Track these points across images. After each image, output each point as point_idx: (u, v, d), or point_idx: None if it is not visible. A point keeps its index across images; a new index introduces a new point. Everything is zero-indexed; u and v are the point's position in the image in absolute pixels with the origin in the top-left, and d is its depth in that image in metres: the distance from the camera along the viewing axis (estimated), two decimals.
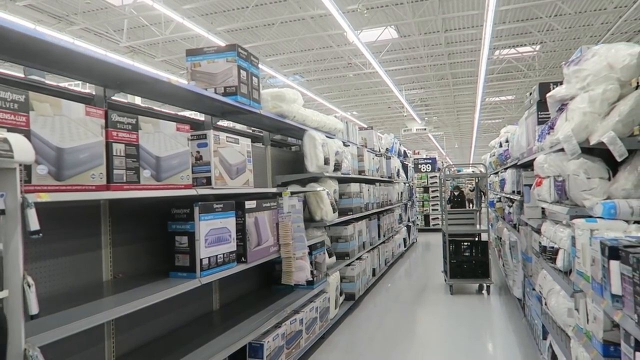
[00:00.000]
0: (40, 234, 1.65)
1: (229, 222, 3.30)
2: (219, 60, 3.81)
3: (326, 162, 5.45)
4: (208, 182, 3.13)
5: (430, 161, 15.96)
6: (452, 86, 20.71)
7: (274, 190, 4.08)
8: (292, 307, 4.28)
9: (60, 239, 2.64)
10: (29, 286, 1.60)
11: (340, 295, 5.95)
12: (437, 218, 15.14)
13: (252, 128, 5.68)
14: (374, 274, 7.77)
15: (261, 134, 5.58)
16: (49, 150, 1.96)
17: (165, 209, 3.09)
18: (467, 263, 7.23)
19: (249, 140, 3.74)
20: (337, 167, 5.90)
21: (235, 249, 3.36)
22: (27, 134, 1.86)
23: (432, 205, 15.25)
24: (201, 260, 2.97)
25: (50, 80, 3.77)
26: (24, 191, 1.66)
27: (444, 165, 11.79)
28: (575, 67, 2.86)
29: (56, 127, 2.00)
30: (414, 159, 15.76)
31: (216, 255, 3.12)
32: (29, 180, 1.87)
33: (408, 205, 11.90)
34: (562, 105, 3.03)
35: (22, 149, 1.57)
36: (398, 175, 10.51)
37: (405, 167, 12.19)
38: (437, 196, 15.54)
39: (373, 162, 8.24)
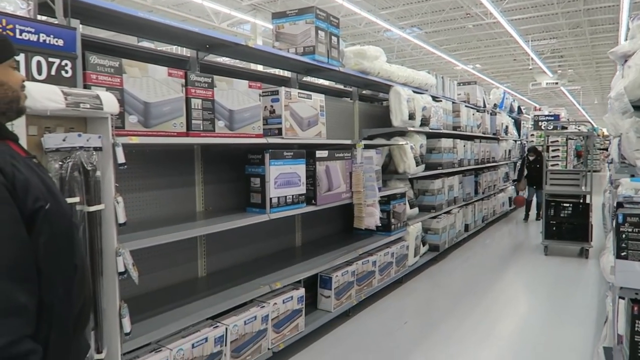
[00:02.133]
0: (125, 166, 2.24)
1: (299, 168, 3.76)
2: (299, 22, 4.18)
3: (411, 117, 5.62)
4: (279, 132, 3.60)
5: (552, 118, 14.80)
6: (588, 35, 18.59)
7: (349, 142, 4.43)
8: (364, 249, 4.69)
9: (165, 175, 3.34)
10: (118, 202, 2.22)
11: (423, 245, 6.21)
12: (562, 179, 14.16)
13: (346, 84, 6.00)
14: (466, 229, 7.82)
15: (350, 90, 5.91)
16: (138, 104, 2.55)
17: (244, 155, 3.64)
18: (566, 225, 6.95)
19: (322, 96, 4.10)
20: (425, 122, 6.03)
21: (304, 192, 3.84)
22: (121, 92, 2.46)
23: (552, 165, 14.25)
24: (270, 199, 3.49)
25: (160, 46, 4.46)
26: (115, 135, 2.25)
27: (542, 118, 11.40)
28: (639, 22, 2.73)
29: (144, 86, 2.58)
30: (534, 116, 14.78)
31: (285, 196, 3.62)
32: (123, 127, 2.49)
33: (518, 164, 11.39)
34: (624, 62, 2.91)
35: (109, 103, 2.14)
36: (506, 132, 10.11)
37: (517, 124, 11.61)
38: (558, 156, 14.47)
39: (473, 117, 8.09)
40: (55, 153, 2.02)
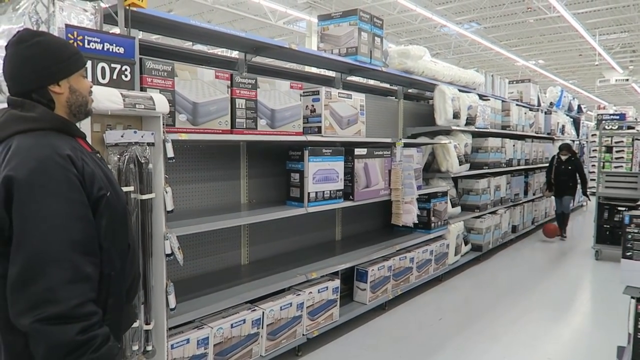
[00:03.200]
0: (174, 160, 2.52)
1: (337, 165, 3.95)
2: (343, 24, 4.36)
3: (456, 115, 5.66)
4: (319, 131, 3.80)
5: (617, 117, 14.08)
6: None
7: (388, 140, 4.56)
8: (401, 246, 4.81)
9: (213, 168, 3.63)
10: (166, 192, 2.50)
11: (465, 244, 6.22)
12: (618, 181, 13.47)
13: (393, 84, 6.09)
14: (514, 231, 7.71)
15: (396, 89, 6.01)
16: (187, 104, 2.83)
17: (286, 152, 3.87)
18: (620, 229, 6.71)
19: (363, 95, 4.26)
20: (470, 121, 6.04)
21: (342, 188, 4.02)
22: (173, 93, 2.75)
23: (615, 167, 13.60)
24: (308, 193, 3.70)
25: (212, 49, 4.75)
26: (165, 132, 2.53)
27: (606, 117, 9.61)
28: None
29: (193, 88, 2.85)
30: (598, 115, 14.13)
31: (323, 191, 3.82)
32: (173, 124, 2.77)
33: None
34: None
35: (161, 104, 2.42)
36: (562, 131, 9.79)
37: (576, 123, 11.20)
38: (622, 157, 13.77)
39: (525, 116, 7.95)
40: (114, 147, 2.31)
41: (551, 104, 9.59)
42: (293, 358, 3.62)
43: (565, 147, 8.24)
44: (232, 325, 3.08)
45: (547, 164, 8.66)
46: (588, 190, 8.84)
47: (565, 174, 8.13)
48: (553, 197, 8.53)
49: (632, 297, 1.84)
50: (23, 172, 1.30)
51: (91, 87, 1.62)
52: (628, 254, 1.80)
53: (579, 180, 8.21)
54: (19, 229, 1.28)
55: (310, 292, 3.69)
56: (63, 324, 1.27)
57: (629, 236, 1.80)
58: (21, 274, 1.26)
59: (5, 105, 1.51)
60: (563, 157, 8.15)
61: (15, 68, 1.45)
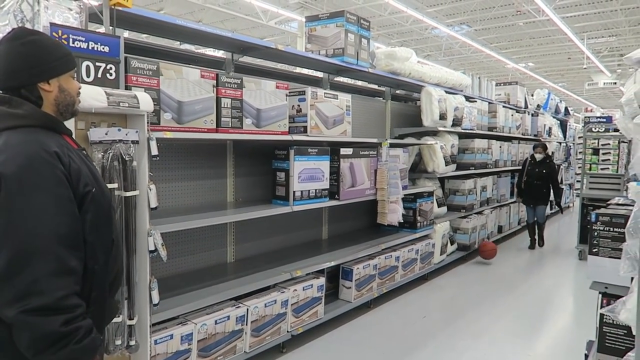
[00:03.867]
0: (158, 157, 2.55)
1: (323, 165, 4.00)
2: (330, 25, 4.41)
3: (442, 117, 5.73)
4: (305, 130, 3.85)
5: (604, 120, 14.27)
6: None
7: (374, 140, 4.62)
8: (387, 245, 4.87)
9: (199, 167, 3.66)
10: (150, 189, 2.54)
11: (451, 244, 6.30)
12: (601, 182, 13.65)
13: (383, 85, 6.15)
14: (500, 231, 7.81)
15: (383, 90, 6.08)
16: (172, 102, 2.86)
17: (272, 151, 3.91)
18: None
19: (349, 96, 4.31)
20: (457, 122, 6.11)
21: (328, 187, 4.07)
22: (158, 92, 2.78)
23: (601, 169, 13.79)
24: (294, 192, 3.75)
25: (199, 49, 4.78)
26: (150, 130, 2.57)
27: (592, 120, 9.03)
28: None
29: (178, 87, 2.89)
30: (585, 117, 14.30)
31: (308, 190, 3.87)
32: (158, 123, 2.80)
33: (562, 167, 11.13)
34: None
35: (145, 102, 2.45)
36: (549, 133, 9.92)
37: (563, 126, 11.34)
38: (608, 159, 13.96)
39: (512, 118, 8.05)
40: (98, 145, 2.35)
41: (538, 106, 9.72)
42: (278, 355, 3.66)
43: (540, 146, 7.44)
44: (216, 321, 3.11)
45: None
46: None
47: (538, 178, 7.29)
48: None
49: (599, 292, 1.91)
50: (11, 168, 1.33)
51: (79, 88, 1.66)
52: (594, 250, 1.87)
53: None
54: (5, 222, 1.32)
55: (295, 290, 3.74)
56: (47, 316, 1.30)
57: (595, 233, 1.86)
58: (7, 266, 1.29)
59: None
60: (537, 157, 7.33)
61: (7, 63, 1.47)
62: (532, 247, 7.61)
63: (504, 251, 7.41)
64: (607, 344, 1.88)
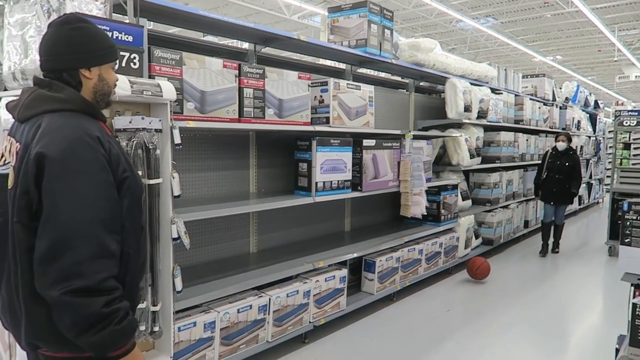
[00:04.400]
0: (181, 146, 2.57)
1: (345, 156, 3.97)
2: (353, 16, 4.37)
3: (467, 109, 5.63)
4: (327, 121, 3.83)
5: (635, 114, 13.81)
6: None
7: (398, 132, 4.57)
8: (410, 237, 4.83)
9: (222, 158, 3.68)
10: (173, 177, 2.56)
11: (476, 238, 6.20)
12: (633, 177, 13.22)
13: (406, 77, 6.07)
14: (526, 226, 7.65)
15: (407, 82, 6.00)
16: (195, 92, 2.88)
17: (295, 142, 3.90)
18: None
19: (372, 87, 4.27)
20: (482, 114, 6.00)
21: (350, 178, 4.04)
22: (181, 81, 2.80)
23: (633, 164, 13.36)
24: (316, 183, 3.73)
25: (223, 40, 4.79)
26: (173, 119, 2.59)
27: (624, 114, 8.22)
28: None
29: (201, 77, 2.90)
30: (616, 111, 13.89)
31: (330, 181, 3.85)
32: (181, 112, 2.82)
33: (591, 162, 10.84)
34: None
35: (168, 91, 2.47)
36: (578, 127, 9.67)
37: (593, 119, 11.03)
38: None
39: (539, 111, 7.87)
40: (122, 133, 2.37)
41: (567, 99, 9.47)
42: (300, 345, 3.67)
43: (563, 134, 6.65)
44: (238, 310, 3.13)
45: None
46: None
47: (561, 172, 6.43)
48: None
49: (631, 284, 1.84)
50: (55, 151, 1.35)
51: (117, 80, 1.69)
52: (626, 240, 1.79)
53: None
54: (50, 205, 1.34)
55: (317, 281, 3.73)
56: (90, 297, 1.32)
57: (627, 223, 1.79)
58: (51, 248, 1.32)
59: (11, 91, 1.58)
60: (560, 146, 6.50)
61: (55, 45, 1.50)
62: (543, 253, 6.66)
63: (531, 246, 7.26)
64: (639, 338, 1.81)
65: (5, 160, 1.50)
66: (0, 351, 2.81)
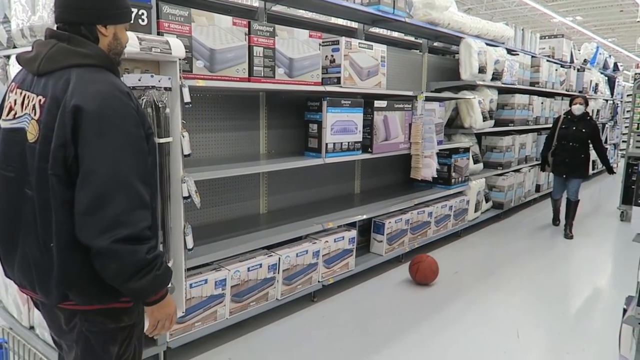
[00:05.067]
0: (190, 105, 2.56)
1: (356, 117, 3.93)
2: None
3: (481, 70, 5.51)
4: (338, 81, 3.77)
5: None
6: None
7: (410, 93, 4.50)
8: (420, 200, 4.83)
9: (232, 118, 3.67)
10: (183, 136, 2.56)
11: (486, 201, 6.19)
12: None
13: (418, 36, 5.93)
14: (537, 190, 7.60)
15: (420, 42, 5.86)
16: (205, 50, 2.84)
17: (305, 103, 3.86)
18: None
19: (384, 46, 4.17)
20: (497, 76, 5.88)
21: (361, 140, 4.01)
22: (190, 39, 2.75)
23: None
24: (326, 144, 3.71)
25: None
26: (183, 77, 2.56)
27: (635, 72, 8.12)
28: None
29: (210, 34, 2.85)
30: (636, 74, 13.52)
31: (341, 143, 3.83)
32: (191, 71, 2.79)
33: (608, 126, 10.63)
34: None
35: (177, 48, 2.44)
36: (595, 90, 9.44)
37: (611, 82, 10.76)
38: None
39: (556, 73, 7.68)
40: (132, 91, 2.36)
41: (585, 61, 9.21)
42: (309, 303, 3.74)
43: (580, 97, 5.87)
44: (248, 268, 3.18)
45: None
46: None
47: (576, 139, 5.66)
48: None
49: None
50: (92, 105, 1.36)
51: (127, 41, 1.68)
52: (639, 201, 1.78)
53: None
54: (90, 159, 1.36)
55: (327, 241, 3.77)
56: (135, 244, 1.38)
57: None
58: (94, 200, 1.35)
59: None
60: (576, 110, 5.71)
61: None
62: (556, 223, 6.19)
63: (541, 210, 7.24)
64: None
65: (15, 115, 1.49)
66: (19, 304, 2.90)
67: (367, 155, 4.12)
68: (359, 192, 5.05)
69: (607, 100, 10.51)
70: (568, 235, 5.76)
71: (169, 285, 1.55)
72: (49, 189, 1.40)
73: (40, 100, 1.42)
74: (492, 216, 6.27)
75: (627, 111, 12.49)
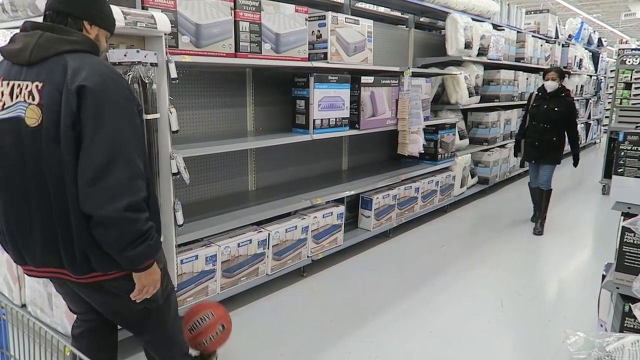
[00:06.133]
0: (177, 81, 2.54)
1: (343, 93, 3.94)
2: None
3: (467, 46, 5.52)
4: (325, 57, 3.76)
5: (639, 52, 13.55)
6: None
7: (396, 69, 4.50)
8: (406, 176, 4.88)
9: (219, 95, 3.65)
10: (171, 112, 2.55)
11: (472, 177, 6.27)
12: (631, 116, 13.15)
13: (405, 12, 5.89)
14: (522, 165, 7.68)
15: (407, 17, 5.84)
16: (190, 25, 2.81)
17: (292, 79, 3.85)
18: None
19: (371, 21, 4.16)
20: (483, 51, 5.90)
21: (348, 116, 4.03)
22: (175, 13, 2.72)
23: (633, 104, 13.26)
24: (314, 120, 3.72)
25: None
26: (168, 52, 2.54)
27: (627, 52, 7.87)
28: None
29: (195, 9, 2.81)
30: (619, 49, 13.62)
31: (328, 119, 3.84)
32: (177, 46, 2.76)
33: (591, 101, 10.76)
34: None
35: (162, 23, 2.41)
36: (579, 66, 9.52)
37: (595, 58, 10.84)
38: None
39: (541, 49, 7.72)
40: (118, 67, 2.33)
41: (570, 36, 9.26)
42: (298, 278, 3.80)
43: (553, 70, 4.99)
44: (238, 244, 3.22)
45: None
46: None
47: (547, 120, 4.89)
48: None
49: (621, 213, 1.89)
50: (94, 84, 1.44)
51: (106, 51, 1.85)
52: (619, 170, 1.83)
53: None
54: (91, 133, 1.43)
55: (315, 217, 3.81)
56: (136, 212, 1.46)
57: (622, 153, 1.82)
58: (96, 172, 1.42)
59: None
60: (549, 86, 4.89)
61: None
62: (536, 222, 5.22)
63: (525, 185, 7.33)
64: (625, 263, 1.89)
65: (4, 105, 1.52)
66: (10, 283, 2.91)
67: (354, 132, 4.14)
68: (347, 169, 5.08)
69: (591, 76, 10.61)
70: (537, 230, 5.04)
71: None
72: (61, 166, 1.45)
73: (37, 86, 1.47)
74: (477, 191, 6.36)
75: (610, 87, 12.64)
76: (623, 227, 1.81)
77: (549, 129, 4.92)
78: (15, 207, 1.55)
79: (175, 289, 2.83)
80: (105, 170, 1.42)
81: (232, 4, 3.03)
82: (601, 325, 2.27)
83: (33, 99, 1.46)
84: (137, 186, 1.48)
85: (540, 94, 5.05)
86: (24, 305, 2.88)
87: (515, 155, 5.53)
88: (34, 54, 1.48)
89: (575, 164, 5.36)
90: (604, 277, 2.29)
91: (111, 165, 1.43)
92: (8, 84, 1.52)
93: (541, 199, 5.19)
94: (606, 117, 11.78)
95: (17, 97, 1.49)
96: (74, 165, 1.44)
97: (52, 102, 1.44)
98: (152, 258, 1.58)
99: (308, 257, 3.81)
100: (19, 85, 1.49)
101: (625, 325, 1.98)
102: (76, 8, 1.59)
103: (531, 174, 5.36)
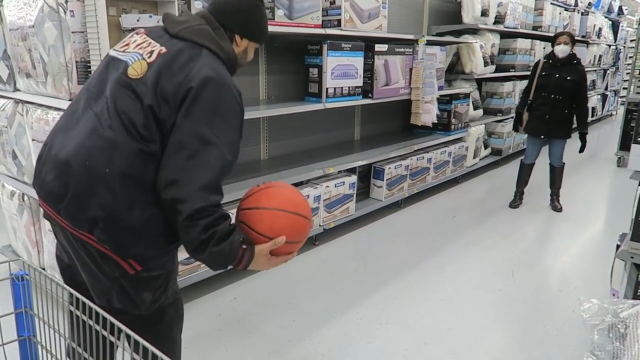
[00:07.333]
0: None
1: (357, 61, 3.88)
2: None
3: (484, 13, 5.40)
4: (338, 24, 3.69)
5: None
6: None
7: (411, 37, 4.42)
8: (419, 146, 4.85)
9: None
10: None
11: (485, 148, 6.22)
12: None
13: None
14: None
15: None
16: None
17: (305, 47, 3.80)
18: None
19: None
20: (499, 19, 5.77)
21: (361, 85, 3.98)
22: None
23: None
24: (327, 89, 3.69)
25: None
26: None
27: None
28: None
29: None
30: None
31: (341, 87, 3.80)
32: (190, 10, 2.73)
33: (609, 72, 10.51)
34: None
35: None
36: (598, 35, 9.26)
37: (615, 27, 10.53)
38: None
39: (559, 17, 7.51)
40: (130, 32, 2.32)
41: (589, 4, 8.98)
42: (310, 247, 3.84)
43: (565, 34, 4.55)
44: None
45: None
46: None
47: (559, 90, 4.47)
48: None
49: (639, 182, 1.87)
50: (212, 85, 1.42)
51: (251, 58, 1.79)
52: (639, 139, 1.80)
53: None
54: (187, 133, 1.38)
55: (327, 186, 3.82)
56: (223, 218, 1.45)
57: None
58: (182, 171, 1.37)
59: None
60: (560, 53, 4.45)
61: (236, 8, 1.61)
62: (514, 204, 4.95)
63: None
64: None
65: (126, 50, 1.52)
66: (29, 247, 2.98)
67: (367, 101, 4.10)
68: (359, 138, 5.06)
69: (609, 46, 10.33)
70: (556, 207, 4.86)
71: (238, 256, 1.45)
72: (124, 112, 1.39)
73: (161, 50, 1.46)
74: (490, 162, 6.32)
75: (630, 57, 12.28)
76: None
77: (560, 100, 4.50)
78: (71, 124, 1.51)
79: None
80: (193, 170, 1.41)
81: None
82: (613, 295, 2.27)
83: (149, 57, 1.45)
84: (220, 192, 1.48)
85: (550, 61, 4.58)
86: (43, 269, 2.94)
87: (516, 129, 5.01)
88: (183, 31, 1.50)
89: (582, 149, 4.81)
90: (618, 247, 2.28)
91: (199, 168, 1.42)
92: (144, 39, 1.53)
93: (554, 177, 4.93)
94: (624, 88, 11.44)
95: (139, 48, 1.49)
96: (133, 118, 1.39)
97: (164, 69, 1.42)
98: (225, 263, 1.48)
99: (320, 225, 3.83)
100: (150, 42, 1.50)
101: (638, 294, 1.98)
102: (235, 24, 1.62)
103: (531, 149, 4.92)
